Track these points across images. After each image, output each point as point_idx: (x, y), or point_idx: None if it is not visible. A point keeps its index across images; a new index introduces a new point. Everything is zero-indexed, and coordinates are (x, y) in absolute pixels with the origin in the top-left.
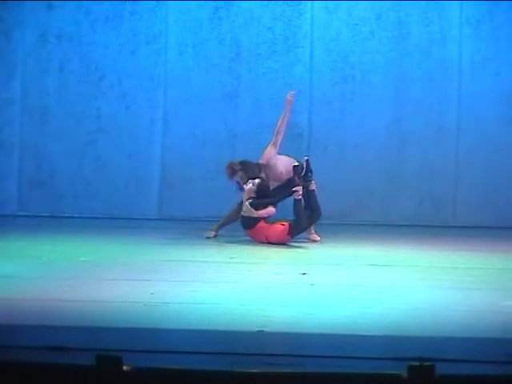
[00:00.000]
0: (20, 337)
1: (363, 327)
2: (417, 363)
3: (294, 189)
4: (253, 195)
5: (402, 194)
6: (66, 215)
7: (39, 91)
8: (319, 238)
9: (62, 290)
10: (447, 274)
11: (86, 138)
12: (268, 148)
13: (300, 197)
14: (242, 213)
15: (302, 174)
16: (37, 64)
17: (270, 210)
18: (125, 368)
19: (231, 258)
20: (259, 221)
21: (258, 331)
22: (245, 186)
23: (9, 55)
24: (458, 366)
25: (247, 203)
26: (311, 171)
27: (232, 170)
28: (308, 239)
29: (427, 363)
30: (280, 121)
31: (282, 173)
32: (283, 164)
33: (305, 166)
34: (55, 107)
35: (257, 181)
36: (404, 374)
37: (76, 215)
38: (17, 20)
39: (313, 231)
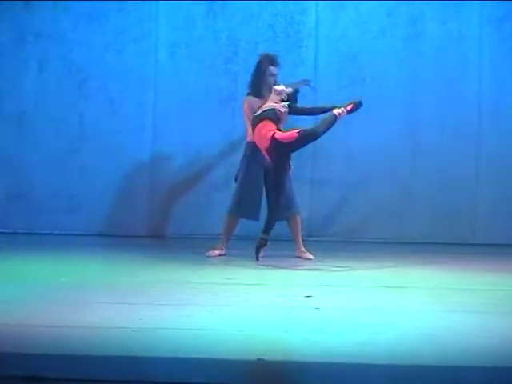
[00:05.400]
0: None
1: (373, 355)
2: None
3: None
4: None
5: (416, 208)
6: (46, 232)
7: (16, 95)
8: (313, 257)
9: (41, 314)
10: (465, 296)
11: (67, 147)
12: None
13: (340, 115)
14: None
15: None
16: (13, 65)
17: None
18: None
19: (228, 278)
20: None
21: (258, 360)
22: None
23: None
24: None
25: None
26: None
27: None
28: (300, 257)
29: None
30: None
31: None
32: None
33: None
34: (33, 113)
35: (290, 89)
36: None
37: (56, 232)
38: None
39: (304, 249)
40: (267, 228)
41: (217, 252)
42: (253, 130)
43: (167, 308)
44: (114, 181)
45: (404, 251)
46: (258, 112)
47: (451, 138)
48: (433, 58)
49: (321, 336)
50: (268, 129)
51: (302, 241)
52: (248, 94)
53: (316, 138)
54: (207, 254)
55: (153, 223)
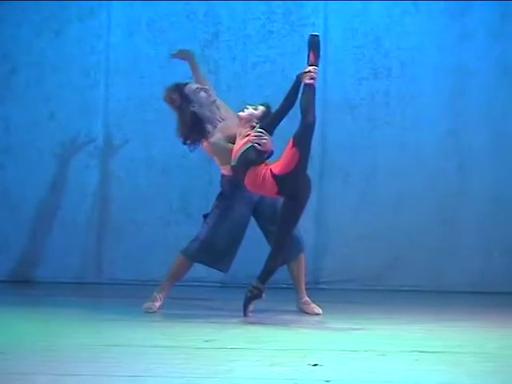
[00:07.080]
0: None
1: None
2: None
3: (306, 70)
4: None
5: (462, 243)
6: None
7: None
8: (321, 311)
9: None
10: None
11: None
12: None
13: (312, 79)
14: (235, 158)
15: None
16: None
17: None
18: None
19: (206, 341)
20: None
21: None
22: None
23: None
24: None
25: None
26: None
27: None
28: (304, 311)
29: None
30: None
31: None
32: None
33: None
34: None
35: (261, 107)
36: None
37: None
38: None
39: (308, 299)
40: (265, 275)
41: (157, 304)
42: (240, 181)
43: (125, 381)
44: (50, 208)
45: (446, 303)
46: (234, 160)
47: (508, 149)
48: (483, 41)
49: None
50: (261, 174)
51: (306, 289)
52: (194, 142)
53: (313, 125)
54: (145, 309)
55: (103, 266)
